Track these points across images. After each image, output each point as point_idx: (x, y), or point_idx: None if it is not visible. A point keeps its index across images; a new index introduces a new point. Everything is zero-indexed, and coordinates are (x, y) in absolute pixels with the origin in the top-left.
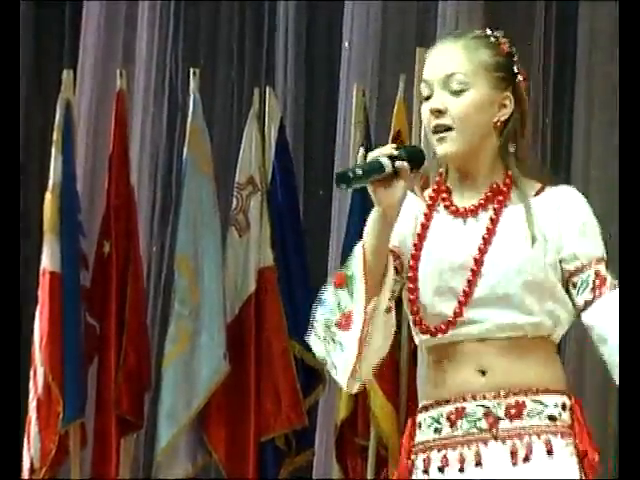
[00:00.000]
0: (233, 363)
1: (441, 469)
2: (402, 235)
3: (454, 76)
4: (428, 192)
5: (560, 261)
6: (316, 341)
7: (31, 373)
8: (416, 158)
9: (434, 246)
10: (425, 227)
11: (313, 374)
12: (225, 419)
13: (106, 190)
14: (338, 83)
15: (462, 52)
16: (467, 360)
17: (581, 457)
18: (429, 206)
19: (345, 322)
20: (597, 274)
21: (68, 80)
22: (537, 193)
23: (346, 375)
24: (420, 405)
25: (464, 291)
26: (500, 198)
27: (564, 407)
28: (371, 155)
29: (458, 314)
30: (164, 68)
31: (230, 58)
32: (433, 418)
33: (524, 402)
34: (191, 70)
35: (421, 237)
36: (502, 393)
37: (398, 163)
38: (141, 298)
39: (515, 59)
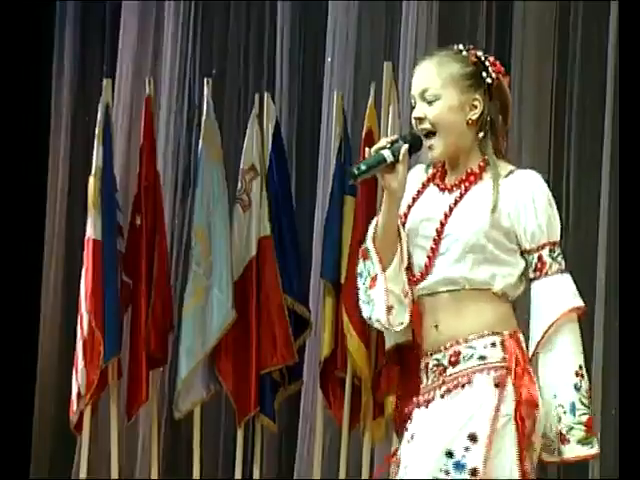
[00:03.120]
0: (239, 312)
1: (417, 407)
2: (407, 201)
3: (427, 90)
4: (428, 174)
5: (516, 235)
6: (362, 305)
7: (78, 320)
8: (414, 142)
9: (417, 211)
10: (417, 196)
11: (302, 321)
12: (232, 356)
13: (137, 174)
14: (322, 90)
15: (433, 69)
16: (427, 315)
17: (499, 386)
18: (426, 180)
19: (372, 283)
20: (539, 258)
21: (107, 87)
22: (507, 175)
23: (386, 322)
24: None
25: (431, 248)
26: (472, 178)
27: (493, 345)
28: (373, 148)
29: (427, 270)
30: (184, 77)
31: (237, 69)
32: (421, 369)
33: (460, 350)
34: (205, 79)
35: (411, 204)
36: (446, 345)
37: (398, 151)
38: (165, 260)
39: (486, 66)
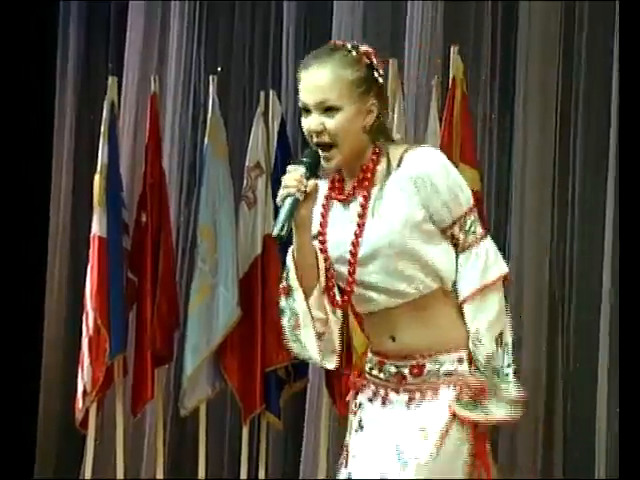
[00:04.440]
0: (244, 310)
1: (370, 400)
2: (316, 222)
3: (326, 102)
4: (327, 184)
5: (431, 221)
6: (291, 345)
7: (84, 317)
8: (316, 160)
9: (329, 235)
10: (323, 219)
11: None
12: (238, 354)
13: (143, 172)
14: None
15: (330, 76)
16: (381, 328)
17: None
18: (326, 197)
19: (297, 322)
20: (452, 236)
21: (113, 85)
22: (400, 163)
23: (319, 360)
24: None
25: (348, 271)
26: (369, 176)
27: (460, 361)
28: (281, 196)
29: (347, 299)
30: (189, 75)
31: (242, 67)
32: (370, 359)
33: (424, 364)
34: (210, 77)
35: (322, 226)
36: (407, 356)
37: (310, 185)
38: (171, 258)
39: (374, 65)
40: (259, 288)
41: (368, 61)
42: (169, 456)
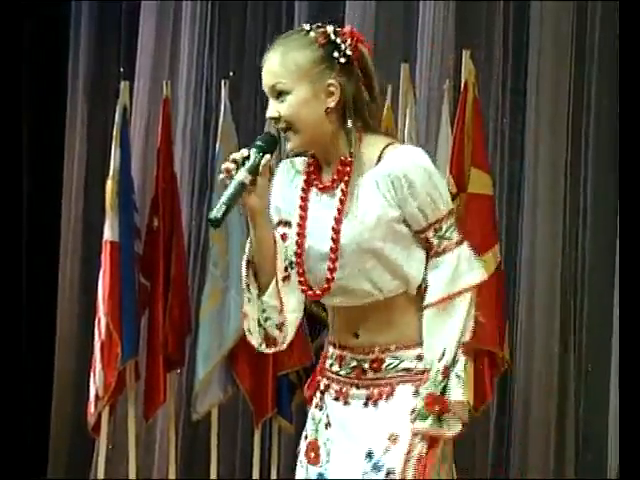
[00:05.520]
0: None
1: (336, 399)
2: (289, 206)
3: (275, 86)
4: (304, 168)
5: (405, 224)
6: (247, 335)
7: (96, 322)
8: (268, 146)
9: (308, 222)
10: (304, 205)
11: (318, 322)
12: (249, 358)
13: (155, 176)
14: None
15: (279, 61)
16: (344, 323)
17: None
18: (305, 183)
19: (246, 313)
20: (426, 240)
21: (125, 89)
22: (379, 159)
23: (264, 347)
24: (328, 339)
25: (329, 267)
26: (347, 170)
27: (419, 357)
28: (222, 176)
29: (326, 290)
30: (201, 79)
31: (254, 71)
32: (331, 355)
33: (383, 358)
34: (222, 81)
35: (301, 215)
36: (367, 350)
37: (255, 166)
38: (183, 262)
39: (337, 44)
40: None
41: (325, 40)
42: (181, 460)
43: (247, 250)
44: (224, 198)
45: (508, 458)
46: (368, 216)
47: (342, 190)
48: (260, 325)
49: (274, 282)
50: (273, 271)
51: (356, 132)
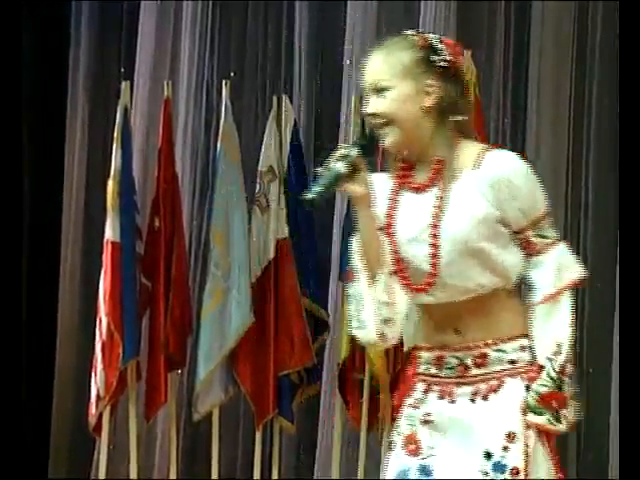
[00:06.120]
0: (257, 314)
1: (441, 397)
2: (384, 213)
3: (377, 83)
4: (396, 172)
5: (504, 224)
6: (356, 331)
7: (97, 322)
8: (368, 144)
9: (399, 221)
10: (392, 205)
11: (320, 323)
12: (250, 359)
13: (156, 177)
14: (340, 93)
15: (382, 59)
16: (444, 321)
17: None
18: (397, 186)
19: (361, 306)
20: (526, 239)
21: (126, 89)
22: (477, 161)
23: (378, 342)
24: (415, 344)
25: (432, 263)
26: (443, 169)
27: (523, 348)
28: (323, 168)
29: (429, 286)
30: (202, 79)
31: (255, 72)
32: (424, 359)
33: (487, 353)
34: (223, 81)
35: (389, 214)
36: (471, 346)
37: (353, 160)
38: (184, 263)
39: (437, 49)
40: (272, 292)
41: (426, 44)
42: (182, 460)
43: (355, 243)
44: (319, 183)
45: None
46: (468, 215)
47: (440, 189)
48: (385, 323)
49: (384, 276)
50: (379, 263)
51: (454, 138)
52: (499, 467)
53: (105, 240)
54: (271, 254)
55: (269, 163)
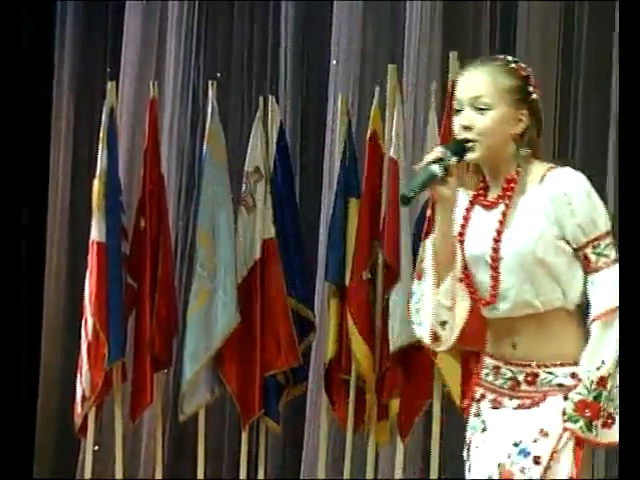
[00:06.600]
0: (243, 315)
1: (494, 407)
2: (457, 224)
3: (480, 98)
4: (475, 188)
5: (564, 240)
6: (415, 327)
7: (83, 323)
8: (460, 150)
9: (468, 236)
10: (465, 219)
11: (306, 324)
12: (236, 359)
13: (142, 177)
14: (327, 92)
15: (486, 78)
16: (504, 334)
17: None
18: (470, 202)
19: (421, 305)
20: (585, 256)
21: (112, 90)
22: (542, 180)
23: (429, 343)
24: (485, 349)
25: (492, 276)
26: (512, 188)
27: (573, 376)
28: (420, 165)
29: (492, 300)
30: (188, 80)
31: (241, 72)
32: (487, 365)
33: (538, 373)
34: (209, 82)
35: (462, 228)
36: (524, 363)
37: (447, 164)
38: (170, 263)
39: (530, 81)
40: (258, 293)
41: (524, 74)
42: (168, 461)
43: (430, 244)
44: (416, 182)
45: None
46: (530, 230)
47: (505, 204)
48: (442, 325)
49: (450, 280)
50: (449, 267)
51: (526, 158)
52: (523, 452)
53: (91, 241)
54: (257, 254)
55: (255, 163)
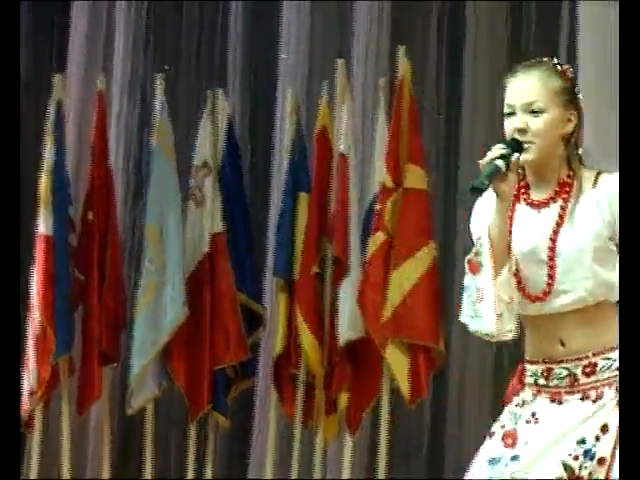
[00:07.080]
0: (192, 309)
1: (552, 400)
2: None
3: (534, 103)
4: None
5: (614, 240)
6: (467, 319)
7: (29, 317)
8: (517, 149)
9: (514, 234)
10: (510, 216)
11: (255, 318)
12: (185, 353)
13: (89, 171)
14: (276, 87)
15: (538, 82)
16: (551, 333)
17: None
18: (513, 200)
19: (478, 298)
20: None
21: (59, 83)
22: (595, 182)
23: (496, 334)
24: (525, 357)
25: (548, 274)
26: (567, 190)
27: None
28: (486, 160)
29: (548, 291)
30: (136, 76)
31: (189, 66)
32: (532, 371)
33: (596, 362)
34: (158, 75)
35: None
36: (580, 356)
37: (509, 160)
38: (118, 257)
39: (576, 82)
40: (207, 287)
41: (571, 76)
42: (115, 455)
43: (486, 238)
44: (484, 174)
45: (443, 452)
46: (588, 230)
47: (561, 206)
48: (498, 317)
49: (506, 274)
50: (504, 261)
51: (574, 164)
52: (589, 454)
53: (38, 235)
54: (206, 248)
55: (204, 158)
